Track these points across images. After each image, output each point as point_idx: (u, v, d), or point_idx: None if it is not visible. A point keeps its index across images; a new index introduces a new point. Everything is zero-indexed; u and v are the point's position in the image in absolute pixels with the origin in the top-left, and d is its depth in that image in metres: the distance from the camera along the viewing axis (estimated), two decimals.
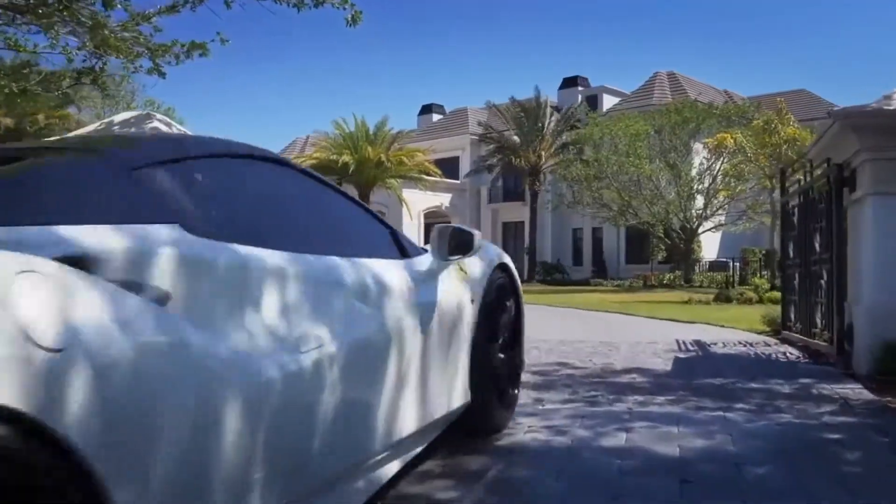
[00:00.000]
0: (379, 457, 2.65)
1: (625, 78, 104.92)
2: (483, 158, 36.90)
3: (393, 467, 2.79)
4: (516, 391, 4.15)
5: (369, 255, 2.90)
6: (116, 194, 1.95)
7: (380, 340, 2.64)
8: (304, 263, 2.33)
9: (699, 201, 27.70)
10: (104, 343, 1.40)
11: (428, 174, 32.78)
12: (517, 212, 42.28)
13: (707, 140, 24.12)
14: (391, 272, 2.93)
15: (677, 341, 8.48)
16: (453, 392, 3.34)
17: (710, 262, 36.40)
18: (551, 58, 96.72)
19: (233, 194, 2.45)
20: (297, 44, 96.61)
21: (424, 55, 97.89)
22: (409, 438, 2.88)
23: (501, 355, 3.84)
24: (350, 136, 30.55)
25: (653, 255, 33.24)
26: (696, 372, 6.12)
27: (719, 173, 26.29)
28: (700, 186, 26.87)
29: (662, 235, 27.52)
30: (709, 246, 35.93)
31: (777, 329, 9.34)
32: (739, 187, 25.03)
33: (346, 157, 28.61)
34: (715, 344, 8.24)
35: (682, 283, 28.77)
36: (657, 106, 32.97)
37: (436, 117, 51.92)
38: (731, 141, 22.28)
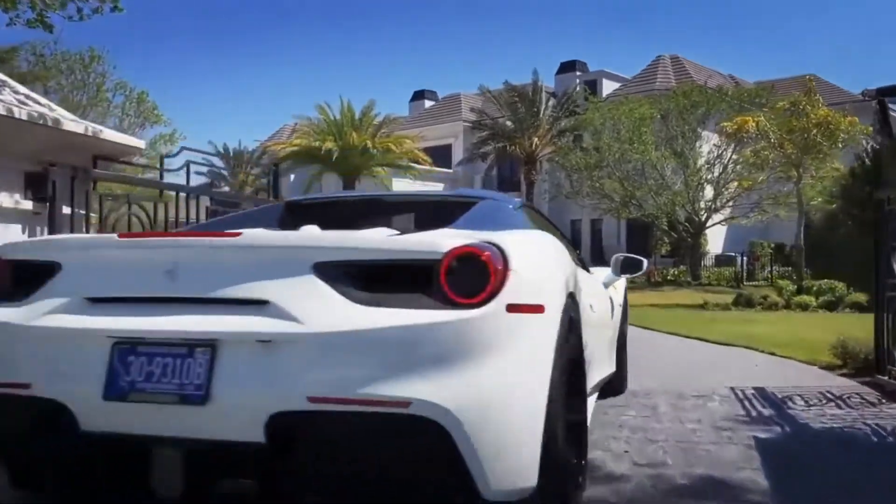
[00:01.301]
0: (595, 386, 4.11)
1: (623, 64, 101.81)
2: (476, 146, 34.21)
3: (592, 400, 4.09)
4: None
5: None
6: (520, 218, 3.40)
7: (606, 318, 4.46)
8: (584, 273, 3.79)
9: (708, 192, 25.10)
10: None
11: (417, 162, 30.14)
12: None
13: (725, 124, 21.46)
14: (598, 281, 4.65)
15: (735, 393, 5.92)
16: (611, 363, 4.95)
17: (715, 256, 33.90)
18: (547, 43, 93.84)
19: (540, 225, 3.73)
20: (287, 29, 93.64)
21: (416, 40, 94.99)
22: (597, 385, 4.33)
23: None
24: (334, 121, 27.90)
25: (656, 249, 30.68)
26: (814, 488, 3.55)
27: (731, 161, 23.67)
28: (710, 176, 24.26)
29: (667, 229, 24.92)
30: (714, 239, 33.42)
31: (861, 365, 6.80)
32: (762, 177, 22.38)
33: (329, 144, 25.94)
34: (791, 399, 5.67)
35: (690, 279, 26.25)
36: (660, 91, 30.29)
37: (428, 104, 49.18)
38: (753, 125, 19.66)
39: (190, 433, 2.11)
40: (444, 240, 2.24)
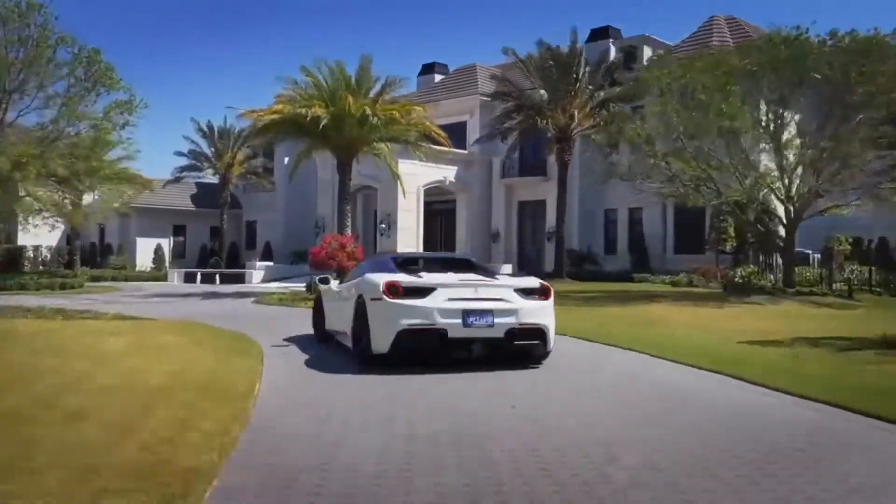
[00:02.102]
0: None
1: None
2: (499, 120, 28.40)
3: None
4: None
5: None
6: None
7: None
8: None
9: (800, 172, 19.31)
10: None
11: (431, 139, 24.38)
12: (536, 188, 33.91)
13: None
14: None
15: None
16: None
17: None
18: (571, 11, 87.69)
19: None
20: (281, 3, 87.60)
21: (421, 10, 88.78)
22: None
23: None
24: (324, 85, 22.16)
25: (721, 245, 25.01)
26: None
27: (843, 133, 17.87)
28: (810, 153, 18.49)
29: (753, 220, 19.16)
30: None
31: None
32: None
33: (318, 110, 20.23)
34: None
35: (771, 284, 20.56)
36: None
37: (438, 77, 43.38)
38: None
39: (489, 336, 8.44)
40: (533, 279, 9.43)
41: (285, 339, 11.21)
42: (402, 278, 8.45)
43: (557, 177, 28.06)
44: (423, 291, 8.27)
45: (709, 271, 25.71)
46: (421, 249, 32.82)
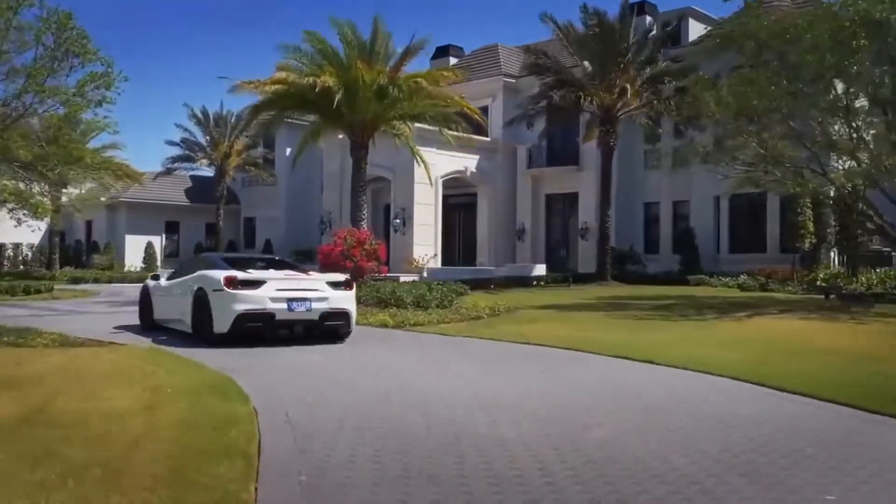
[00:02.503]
0: None
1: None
2: (534, 100, 24.65)
3: None
4: None
5: None
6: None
7: None
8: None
9: None
10: None
11: (465, 117, 20.65)
12: (567, 180, 30.22)
13: None
14: None
15: None
16: None
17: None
18: None
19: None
20: None
21: None
22: None
23: None
24: (332, 51, 18.45)
25: (800, 241, 21.36)
26: None
27: None
28: None
29: (872, 213, 15.46)
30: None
31: None
32: None
33: (328, 79, 16.56)
34: None
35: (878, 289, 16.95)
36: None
37: (454, 61, 39.67)
38: None
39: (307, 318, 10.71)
40: (339, 275, 12.03)
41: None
42: (238, 273, 10.69)
43: (600, 164, 24.43)
44: (256, 283, 10.55)
45: (777, 272, 22.11)
46: (439, 247, 29.20)
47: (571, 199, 30.46)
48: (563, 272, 26.58)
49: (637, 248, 28.13)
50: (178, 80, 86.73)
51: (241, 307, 10.17)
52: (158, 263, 40.80)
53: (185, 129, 36.73)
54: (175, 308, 11.66)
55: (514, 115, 27.81)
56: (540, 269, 26.16)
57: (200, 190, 43.62)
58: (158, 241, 41.84)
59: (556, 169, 30.41)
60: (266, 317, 10.33)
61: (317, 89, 16.45)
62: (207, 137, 36.31)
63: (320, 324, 10.69)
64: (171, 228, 42.78)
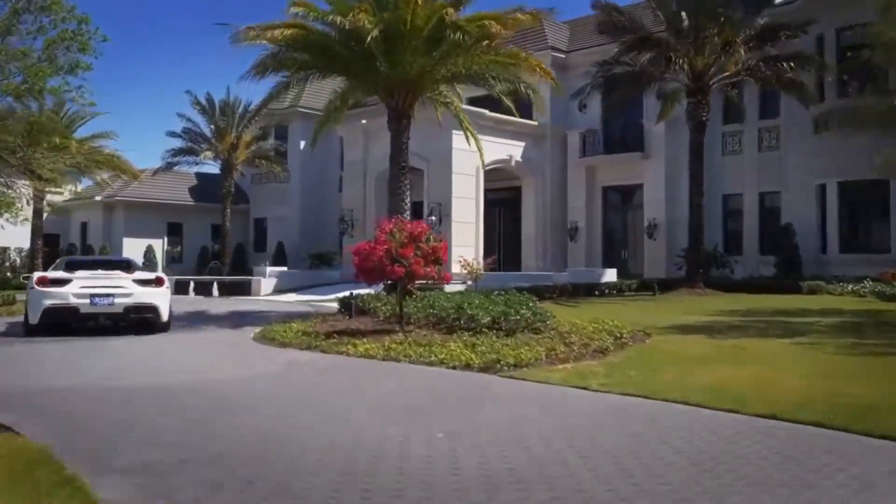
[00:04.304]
0: None
1: None
2: (604, 67, 19.72)
3: None
4: None
5: None
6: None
7: None
8: None
9: None
10: None
11: (537, 73, 15.70)
12: (629, 169, 25.27)
13: None
14: None
15: None
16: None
17: None
18: None
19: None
20: None
21: None
22: None
23: None
24: None
25: None
26: None
27: None
28: None
29: None
30: None
31: None
32: None
33: (362, 16, 11.72)
34: None
35: None
36: None
37: None
38: None
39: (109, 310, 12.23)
40: (150, 273, 14.06)
41: None
42: (49, 273, 12.77)
43: (690, 144, 19.57)
44: (63, 282, 12.12)
45: None
46: (481, 248, 24.38)
47: (633, 193, 25.60)
48: (629, 277, 21.75)
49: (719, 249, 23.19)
50: (181, 74, 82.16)
51: (46, 302, 11.83)
52: (160, 269, 36.16)
53: (188, 119, 32.01)
54: None
55: (565, 96, 22.98)
56: (611, 275, 21.33)
57: (206, 188, 38.89)
58: (160, 245, 37.12)
59: (616, 157, 25.53)
60: (70, 310, 11.94)
61: (346, 29, 11.60)
62: (212, 127, 31.53)
63: (126, 316, 12.25)
64: (173, 230, 38.05)
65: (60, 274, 12.46)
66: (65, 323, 12.04)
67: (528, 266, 25.73)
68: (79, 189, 35.69)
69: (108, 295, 11.98)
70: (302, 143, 36.61)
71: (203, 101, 31.21)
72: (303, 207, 37.20)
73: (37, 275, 12.52)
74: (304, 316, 14.63)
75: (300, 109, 36.35)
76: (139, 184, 34.84)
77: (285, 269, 29.70)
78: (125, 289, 12.13)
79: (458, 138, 23.40)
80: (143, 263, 35.66)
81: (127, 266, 13.83)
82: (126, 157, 26.50)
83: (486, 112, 24.43)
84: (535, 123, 26.06)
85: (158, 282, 12.60)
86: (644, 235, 24.77)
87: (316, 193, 37.31)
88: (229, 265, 38.45)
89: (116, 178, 29.28)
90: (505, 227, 27.38)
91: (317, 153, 36.93)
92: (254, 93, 63.77)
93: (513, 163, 25.43)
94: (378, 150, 25.75)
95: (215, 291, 26.20)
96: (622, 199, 26.19)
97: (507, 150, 25.25)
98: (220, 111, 31.75)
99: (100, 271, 12.84)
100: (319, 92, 39.43)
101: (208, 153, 31.03)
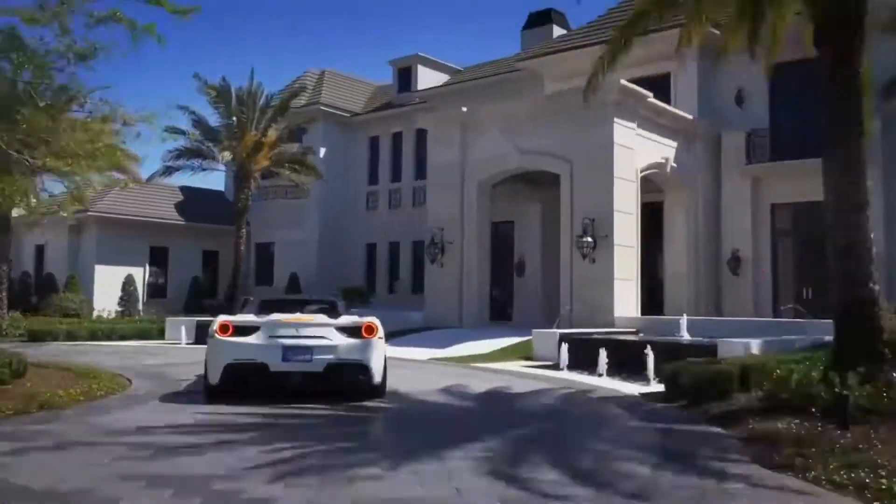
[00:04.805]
0: None
1: None
2: None
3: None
4: None
5: None
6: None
7: None
8: None
9: None
10: None
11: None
12: (815, 181, 19.17)
13: None
14: None
15: None
16: None
17: None
18: None
19: None
20: None
21: None
22: None
23: None
24: None
25: None
26: None
27: None
28: None
29: None
30: None
31: None
32: None
33: None
34: None
35: None
36: None
37: (558, 31, 28.69)
38: None
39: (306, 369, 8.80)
40: (361, 318, 9.26)
41: None
42: (234, 318, 9.38)
43: None
44: (250, 329, 8.91)
45: None
46: (638, 283, 17.81)
47: (820, 213, 19.46)
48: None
49: None
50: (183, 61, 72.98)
51: (229, 357, 8.77)
52: (140, 306, 28.00)
53: (193, 113, 24.34)
54: None
55: (716, 85, 16.68)
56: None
57: (194, 205, 31.13)
58: (141, 275, 29.01)
59: (797, 164, 19.45)
60: (257, 368, 8.79)
61: None
62: (231, 121, 23.94)
63: (326, 377, 8.89)
64: (157, 257, 29.98)
65: (248, 319, 9.24)
66: (251, 384, 8.98)
67: (676, 310, 19.18)
68: (33, 201, 27.12)
69: (304, 348, 8.83)
70: (322, 150, 29.44)
71: (217, 86, 23.64)
72: (322, 230, 29.96)
73: (219, 320, 9.10)
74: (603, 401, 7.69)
75: (322, 108, 29.28)
76: (116, 195, 26.83)
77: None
78: (327, 340, 8.95)
79: (620, 130, 16.95)
80: (121, 299, 27.68)
81: (331, 308, 10.42)
82: (131, 150, 18.05)
83: (650, 96, 18.05)
84: (691, 118, 19.80)
85: (369, 330, 9.15)
86: (843, 265, 18.59)
87: (338, 213, 30.15)
88: (226, 301, 30.66)
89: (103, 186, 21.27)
90: (645, 253, 20.77)
91: (338, 164, 29.92)
92: (270, 81, 54.37)
93: (668, 168, 19.04)
94: (482, 148, 19.06)
95: None
96: (799, 222, 20.04)
97: (663, 150, 18.88)
98: (238, 101, 24.28)
99: (296, 314, 9.53)
100: (342, 91, 32.48)
101: (226, 153, 23.36)
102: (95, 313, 26.12)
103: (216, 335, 8.84)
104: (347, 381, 9.06)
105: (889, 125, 18.02)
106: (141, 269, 29.12)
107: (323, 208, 29.80)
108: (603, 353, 12.01)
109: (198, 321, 19.81)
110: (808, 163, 18.89)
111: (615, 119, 16.86)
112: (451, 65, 30.43)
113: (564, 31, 28.51)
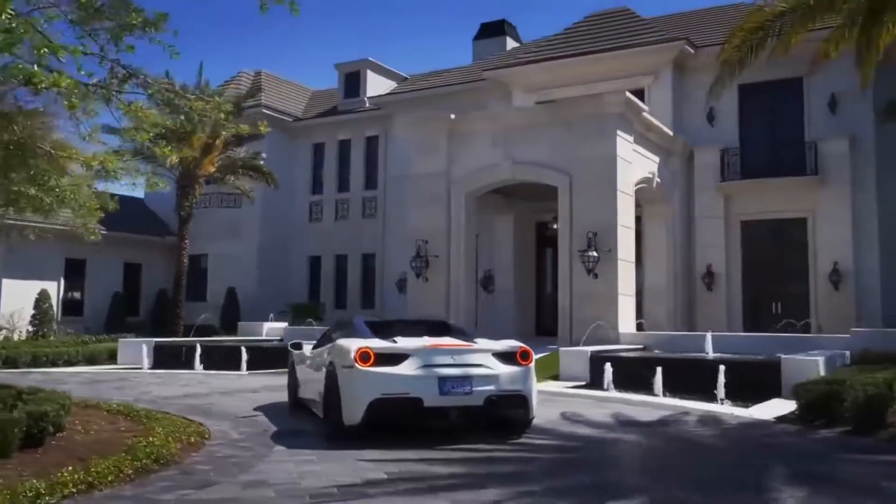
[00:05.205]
0: None
1: None
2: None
3: None
4: None
5: None
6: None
7: None
8: None
9: None
10: None
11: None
12: (785, 199, 19.64)
13: None
14: None
15: None
16: None
17: None
18: None
19: None
20: None
21: None
22: None
23: None
24: None
25: None
26: None
27: None
28: None
29: None
30: None
31: None
32: None
33: None
34: None
35: None
36: None
37: (511, 44, 28.38)
38: None
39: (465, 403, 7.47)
40: (512, 343, 8.13)
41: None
42: (375, 344, 7.60)
43: None
44: (397, 358, 7.39)
45: None
46: (634, 293, 17.51)
47: (791, 230, 20.01)
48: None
49: None
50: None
51: (378, 392, 7.18)
52: (54, 325, 25.01)
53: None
54: (311, 386, 9.01)
55: (688, 103, 16.97)
56: (869, 340, 15.06)
57: (119, 212, 28.19)
58: (54, 290, 25.98)
59: (768, 182, 19.90)
60: (411, 403, 7.26)
61: None
62: (181, 118, 21.76)
63: (486, 410, 7.52)
64: (73, 270, 26.97)
65: (393, 346, 7.56)
66: (399, 422, 7.57)
67: (654, 324, 19.10)
68: None
69: (464, 379, 7.38)
70: (264, 156, 27.56)
71: (166, 83, 21.45)
72: (262, 242, 28.10)
73: (356, 347, 7.31)
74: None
75: (265, 111, 27.45)
76: None
77: (285, 325, 21.04)
78: (486, 368, 7.54)
79: (621, 143, 16.69)
80: (34, 317, 24.63)
81: (458, 331, 8.96)
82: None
83: (647, 110, 17.89)
84: (671, 134, 19.84)
85: (524, 356, 7.79)
86: (812, 284, 19.20)
87: (279, 224, 28.40)
88: (150, 319, 28.09)
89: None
90: None
91: (280, 171, 27.99)
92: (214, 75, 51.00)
93: (654, 183, 18.94)
94: (471, 158, 18.27)
95: (198, 364, 16.48)
96: (770, 239, 20.45)
97: (649, 166, 18.76)
98: (190, 99, 22.12)
99: (426, 338, 7.97)
100: (281, 94, 30.64)
101: (174, 157, 21.18)
102: (2, 335, 23.07)
103: (356, 365, 7.26)
104: (504, 415, 7.80)
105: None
106: (54, 283, 26.08)
107: (264, 219, 27.93)
108: (659, 372, 11.46)
109: (156, 343, 17.66)
110: (787, 181, 19.51)
111: (618, 131, 16.52)
112: (399, 72, 29.38)
113: (518, 44, 28.28)
